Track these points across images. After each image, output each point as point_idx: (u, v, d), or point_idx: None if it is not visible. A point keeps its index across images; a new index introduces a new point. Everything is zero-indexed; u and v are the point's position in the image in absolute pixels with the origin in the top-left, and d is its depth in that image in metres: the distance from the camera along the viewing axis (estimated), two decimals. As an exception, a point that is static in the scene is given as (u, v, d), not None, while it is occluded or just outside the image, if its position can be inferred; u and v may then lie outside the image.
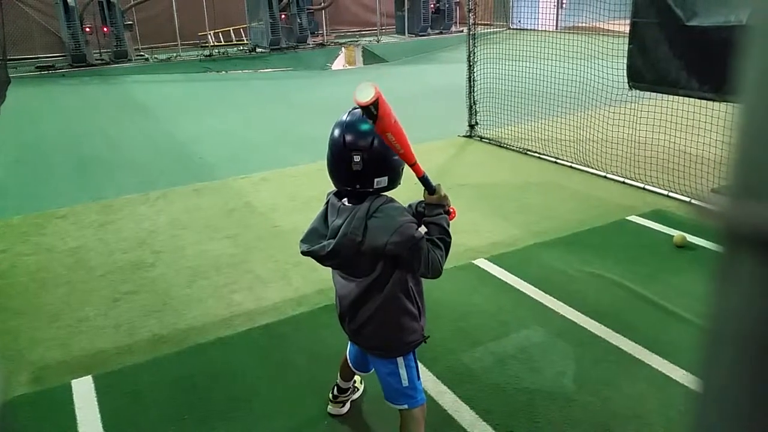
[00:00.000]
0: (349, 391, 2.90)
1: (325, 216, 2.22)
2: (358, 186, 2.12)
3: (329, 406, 2.89)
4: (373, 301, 2.23)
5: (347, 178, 2.12)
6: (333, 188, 2.25)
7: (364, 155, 2.06)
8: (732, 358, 0.63)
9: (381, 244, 2.06)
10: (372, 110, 1.96)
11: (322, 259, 2.18)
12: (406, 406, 2.39)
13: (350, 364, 2.71)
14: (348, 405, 2.91)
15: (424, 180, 2.23)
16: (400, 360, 2.33)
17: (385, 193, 2.20)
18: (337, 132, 2.11)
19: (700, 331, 0.66)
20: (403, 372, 2.34)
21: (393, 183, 2.17)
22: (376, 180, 2.11)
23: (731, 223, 0.61)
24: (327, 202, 2.25)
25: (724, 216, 0.61)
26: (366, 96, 1.95)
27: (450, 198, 2.28)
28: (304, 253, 2.22)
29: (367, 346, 2.42)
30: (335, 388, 2.87)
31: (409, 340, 2.32)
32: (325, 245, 2.12)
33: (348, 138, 2.08)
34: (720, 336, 0.65)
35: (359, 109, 2.07)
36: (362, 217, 2.08)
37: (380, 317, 2.26)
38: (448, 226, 2.23)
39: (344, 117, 2.14)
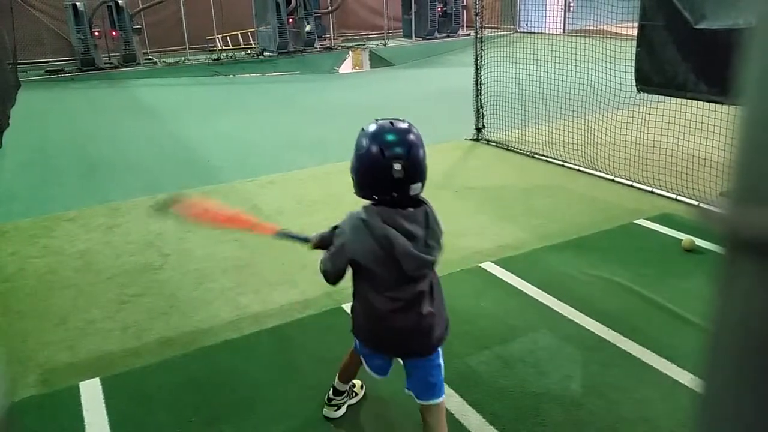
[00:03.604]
0: (345, 395, 2.90)
1: (397, 227, 2.16)
2: (395, 194, 2.17)
3: (324, 409, 2.88)
4: (436, 297, 2.34)
5: (386, 187, 2.16)
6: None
7: (404, 163, 2.14)
8: (734, 360, 0.63)
9: (442, 242, 2.26)
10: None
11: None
12: (443, 397, 2.44)
13: (372, 371, 2.56)
14: (344, 409, 2.90)
15: (287, 236, 2.53)
16: (439, 349, 2.41)
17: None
18: (368, 142, 2.16)
19: (704, 333, 0.66)
20: (441, 361, 2.42)
21: (422, 188, 2.24)
22: (412, 186, 2.18)
23: (733, 227, 0.61)
24: (364, 219, 2.19)
25: (727, 220, 0.61)
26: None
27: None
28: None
29: (431, 345, 2.37)
30: (331, 390, 2.87)
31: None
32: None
33: (385, 148, 2.13)
34: (722, 338, 0.64)
35: (385, 121, 2.22)
36: (436, 217, 2.24)
37: (442, 311, 2.38)
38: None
39: (373, 129, 2.19)
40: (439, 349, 2.40)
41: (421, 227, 2.19)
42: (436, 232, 2.23)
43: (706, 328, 0.66)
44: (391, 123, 2.20)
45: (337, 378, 2.85)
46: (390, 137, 2.16)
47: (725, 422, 0.65)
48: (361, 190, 2.24)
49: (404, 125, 2.21)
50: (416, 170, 2.17)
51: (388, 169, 2.12)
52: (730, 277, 0.63)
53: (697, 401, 0.68)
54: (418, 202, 2.23)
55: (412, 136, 2.18)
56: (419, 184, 2.19)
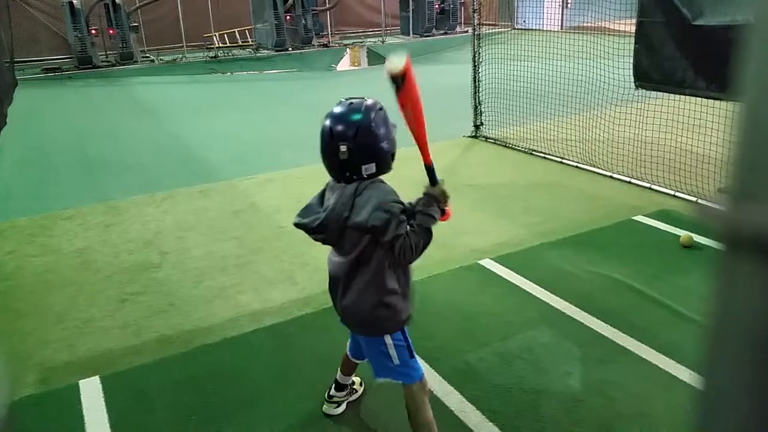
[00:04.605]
0: (346, 392, 2.91)
1: (322, 195, 2.35)
2: (347, 173, 2.22)
3: (324, 405, 2.89)
4: (360, 277, 2.29)
5: (336, 166, 2.22)
6: None
7: (350, 144, 2.16)
8: (734, 356, 0.63)
9: (363, 219, 2.15)
10: (399, 81, 2.12)
11: (311, 231, 2.30)
12: (400, 382, 2.43)
13: (348, 353, 2.75)
14: (344, 406, 2.91)
15: (430, 170, 2.38)
16: (387, 339, 2.36)
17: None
18: (326, 123, 2.22)
19: (703, 330, 0.66)
20: (392, 351, 2.37)
21: (381, 169, 2.25)
22: (363, 167, 2.20)
23: (732, 224, 0.61)
24: (327, 184, 2.37)
25: (725, 217, 0.61)
26: (395, 67, 2.08)
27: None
28: (296, 224, 2.35)
29: (353, 324, 2.46)
30: (333, 385, 2.88)
31: (396, 319, 2.35)
32: (315, 218, 2.26)
33: (334, 129, 2.19)
34: (722, 335, 0.65)
35: (347, 100, 2.24)
36: (350, 194, 2.19)
37: (366, 294, 2.30)
38: (434, 220, 2.27)
39: (334, 108, 2.25)
40: (386, 341, 2.35)
41: (336, 197, 2.23)
42: (338, 208, 2.20)
43: (706, 324, 0.67)
44: (350, 103, 2.22)
45: (339, 371, 2.86)
46: (340, 118, 2.19)
47: (726, 417, 0.66)
48: (326, 168, 2.29)
49: (361, 105, 2.21)
50: (365, 152, 2.17)
51: (336, 150, 2.16)
52: (730, 273, 0.63)
53: (698, 396, 0.69)
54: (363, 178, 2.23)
55: (364, 117, 2.17)
56: (372, 165, 2.20)
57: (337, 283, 2.38)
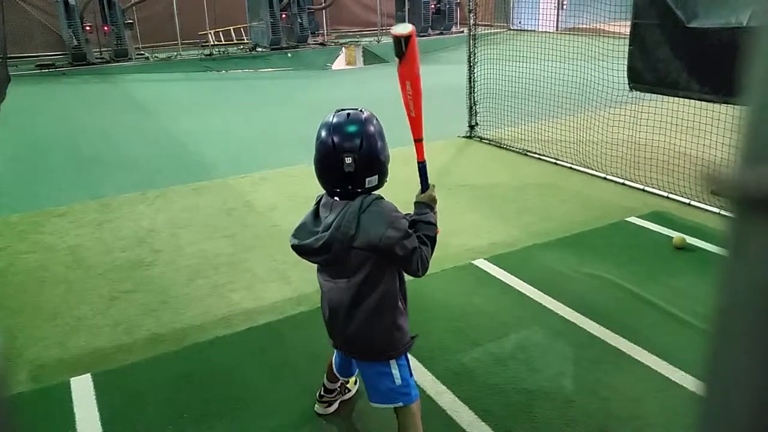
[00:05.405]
0: (336, 393, 2.89)
1: (315, 213, 2.24)
2: (350, 187, 2.14)
3: (316, 405, 2.89)
4: (369, 300, 2.21)
5: (339, 179, 2.13)
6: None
7: (355, 156, 2.08)
8: (746, 327, 0.60)
9: (375, 237, 2.08)
10: (402, 44, 2.11)
11: (313, 253, 2.18)
12: (401, 404, 2.36)
13: (334, 369, 2.71)
14: (336, 405, 2.91)
15: (422, 170, 2.33)
16: (393, 361, 2.31)
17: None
18: (324, 134, 2.12)
19: (712, 306, 0.63)
20: (396, 372, 2.32)
21: (381, 181, 2.21)
22: (367, 179, 2.14)
23: (743, 188, 0.59)
24: (318, 202, 2.27)
25: (736, 182, 0.60)
26: (402, 30, 2.11)
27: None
28: (294, 246, 2.23)
29: (359, 352, 2.38)
30: (322, 388, 2.87)
31: (405, 341, 2.33)
32: (318, 238, 2.14)
33: (336, 140, 2.09)
34: (731, 306, 0.62)
35: (343, 111, 2.16)
36: (355, 211, 2.10)
37: (378, 318, 2.24)
38: (435, 227, 2.29)
39: (330, 119, 2.15)
40: (390, 363, 2.31)
41: (338, 214, 2.12)
42: (344, 226, 2.08)
43: (715, 297, 0.64)
44: (348, 114, 2.14)
45: (325, 377, 2.85)
46: (342, 130, 2.10)
47: (737, 394, 0.62)
48: (319, 180, 2.21)
49: (361, 116, 2.14)
50: (369, 164, 2.12)
51: (340, 162, 2.09)
52: (740, 239, 0.61)
53: (705, 375, 0.66)
54: (362, 193, 2.15)
55: (366, 129, 2.12)
56: (375, 177, 2.16)
57: (340, 310, 2.27)
